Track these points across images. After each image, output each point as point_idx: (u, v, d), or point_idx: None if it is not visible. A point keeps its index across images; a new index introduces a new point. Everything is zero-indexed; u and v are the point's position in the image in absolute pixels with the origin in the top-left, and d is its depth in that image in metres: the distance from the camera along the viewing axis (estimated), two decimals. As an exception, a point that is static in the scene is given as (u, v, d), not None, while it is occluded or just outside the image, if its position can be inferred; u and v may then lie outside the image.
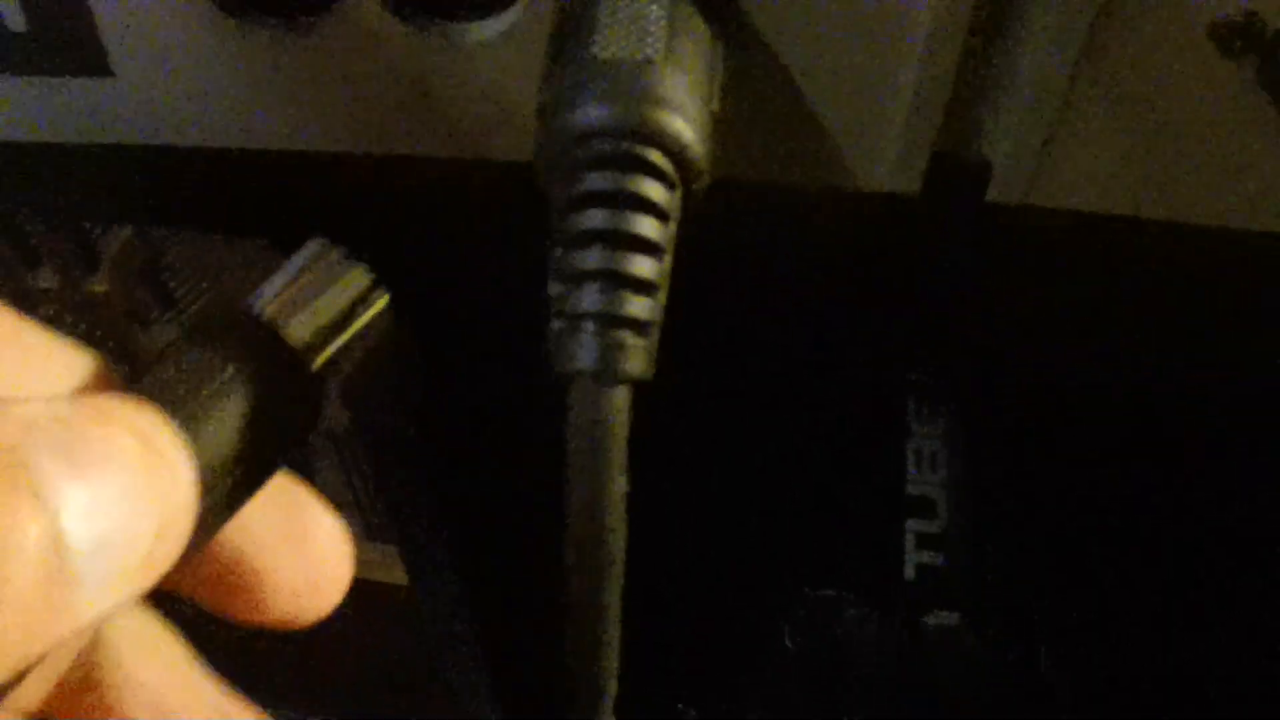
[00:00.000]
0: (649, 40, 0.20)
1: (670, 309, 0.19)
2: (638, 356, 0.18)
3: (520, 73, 0.22)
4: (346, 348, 0.18)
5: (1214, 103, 0.22)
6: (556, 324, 0.19)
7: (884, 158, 0.23)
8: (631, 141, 0.19)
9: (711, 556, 0.40)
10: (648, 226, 0.19)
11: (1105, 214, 0.24)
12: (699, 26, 0.20)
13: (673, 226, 0.19)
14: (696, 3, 0.21)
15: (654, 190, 0.19)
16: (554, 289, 0.19)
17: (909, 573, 0.39)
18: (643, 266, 0.19)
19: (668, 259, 0.19)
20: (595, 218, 0.18)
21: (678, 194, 0.19)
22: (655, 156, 0.19)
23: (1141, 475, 0.37)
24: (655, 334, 0.19)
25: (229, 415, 0.17)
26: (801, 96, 0.23)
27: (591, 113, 0.19)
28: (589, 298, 0.18)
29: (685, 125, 0.19)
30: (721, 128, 0.20)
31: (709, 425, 0.39)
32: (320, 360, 0.18)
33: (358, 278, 0.18)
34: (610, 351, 0.18)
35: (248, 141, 0.24)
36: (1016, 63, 0.23)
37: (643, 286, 0.19)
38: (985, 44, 0.22)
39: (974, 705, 0.39)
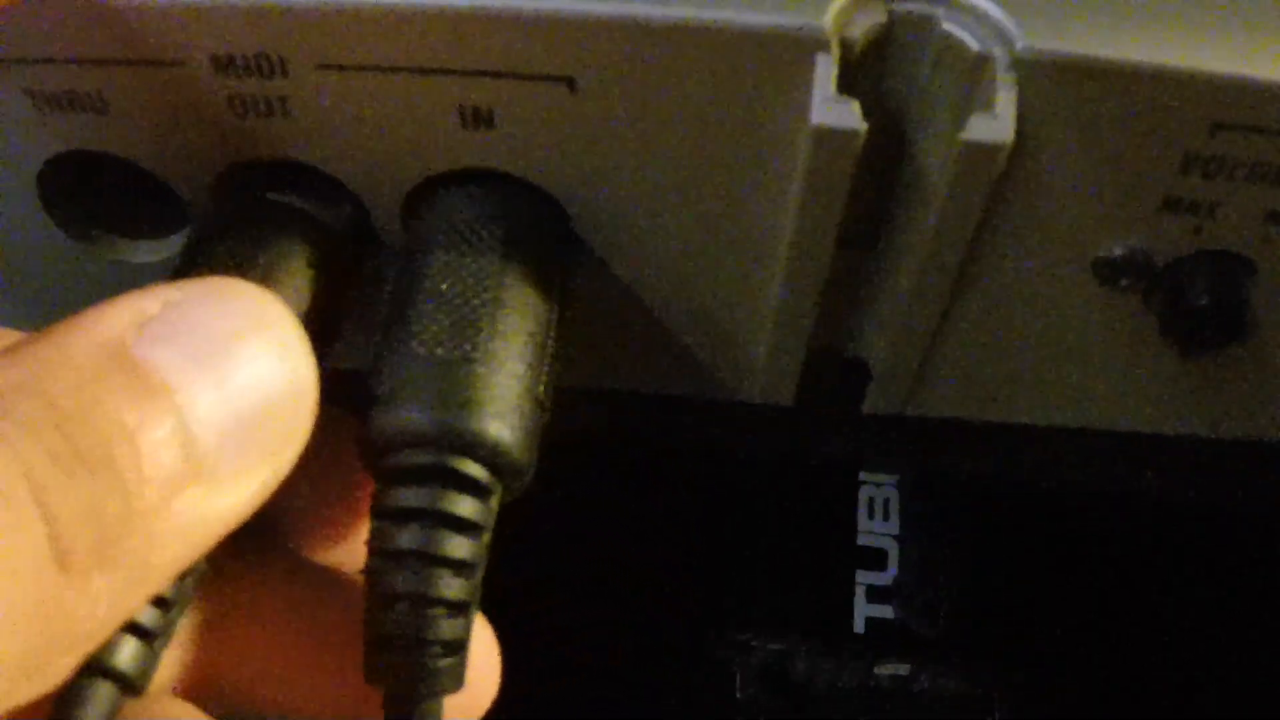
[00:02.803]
0: (468, 332, 0.19)
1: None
2: (449, 677, 0.18)
3: None
4: None
5: (1095, 323, 0.21)
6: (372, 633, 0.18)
7: (751, 369, 0.22)
8: (443, 453, 0.18)
9: (660, 608, 0.41)
10: (459, 547, 0.18)
11: (987, 422, 0.23)
12: (529, 296, 0.19)
13: (487, 536, 0.19)
14: (528, 266, 0.19)
15: (465, 506, 0.18)
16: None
17: (858, 625, 0.39)
18: (452, 587, 0.18)
19: (480, 570, 0.18)
20: (405, 534, 0.18)
21: (495, 500, 0.19)
22: (469, 467, 0.18)
23: (1099, 528, 0.37)
24: (466, 650, 0.18)
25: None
26: (664, 312, 0.22)
27: (402, 418, 0.18)
28: (400, 618, 0.18)
29: (502, 427, 0.18)
30: (546, 413, 0.19)
31: (659, 474, 0.39)
32: None
33: None
34: (419, 674, 0.18)
35: None
36: (890, 279, 0.21)
37: (453, 607, 0.18)
38: (858, 260, 0.21)
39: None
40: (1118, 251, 0.20)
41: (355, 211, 0.21)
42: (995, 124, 0.18)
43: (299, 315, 0.18)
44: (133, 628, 0.16)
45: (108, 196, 0.22)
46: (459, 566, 0.18)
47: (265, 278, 0.19)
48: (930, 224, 0.19)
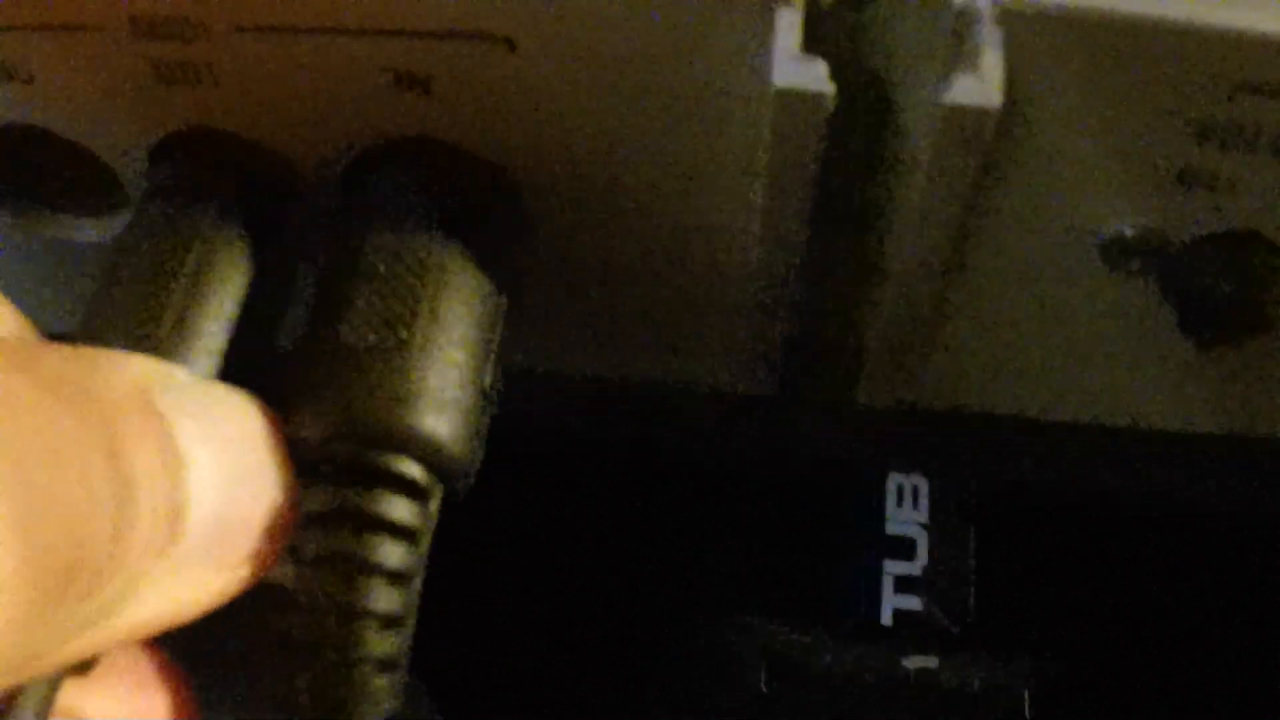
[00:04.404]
0: (404, 317, 0.17)
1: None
2: (386, 695, 0.17)
3: None
4: None
5: (1104, 311, 0.19)
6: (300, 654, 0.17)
7: (730, 355, 0.20)
8: (374, 451, 0.16)
9: (682, 599, 0.39)
10: (394, 555, 0.16)
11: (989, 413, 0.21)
12: (473, 281, 0.18)
13: (425, 543, 0.17)
14: (473, 248, 0.18)
15: (399, 509, 0.16)
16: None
17: (885, 617, 0.37)
18: (388, 598, 0.16)
19: (417, 582, 0.17)
20: (331, 540, 0.16)
21: (434, 503, 0.17)
22: (404, 466, 0.16)
23: (1133, 522, 0.35)
24: (403, 666, 0.17)
25: None
26: (631, 293, 0.20)
27: (329, 412, 0.16)
28: (327, 632, 0.16)
29: (440, 422, 0.17)
30: (492, 406, 0.18)
31: (681, 461, 0.37)
32: None
33: None
34: (358, 695, 0.16)
35: None
36: (878, 265, 0.19)
37: (389, 622, 0.17)
38: (842, 239, 0.19)
39: (956, 751, 0.38)
40: (1128, 231, 0.18)
41: (292, 183, 0.19)
42: (980, 86, 0.16)
43: (231, 310, 0.17)
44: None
45: (47, 172, 0.21)
46: (393, 575, 0.16)
47: (199, 268, 0.17)
48: (917, 198, 0.17)
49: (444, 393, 0.17)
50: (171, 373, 0.15)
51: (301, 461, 0.16)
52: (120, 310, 0.17)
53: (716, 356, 0.20)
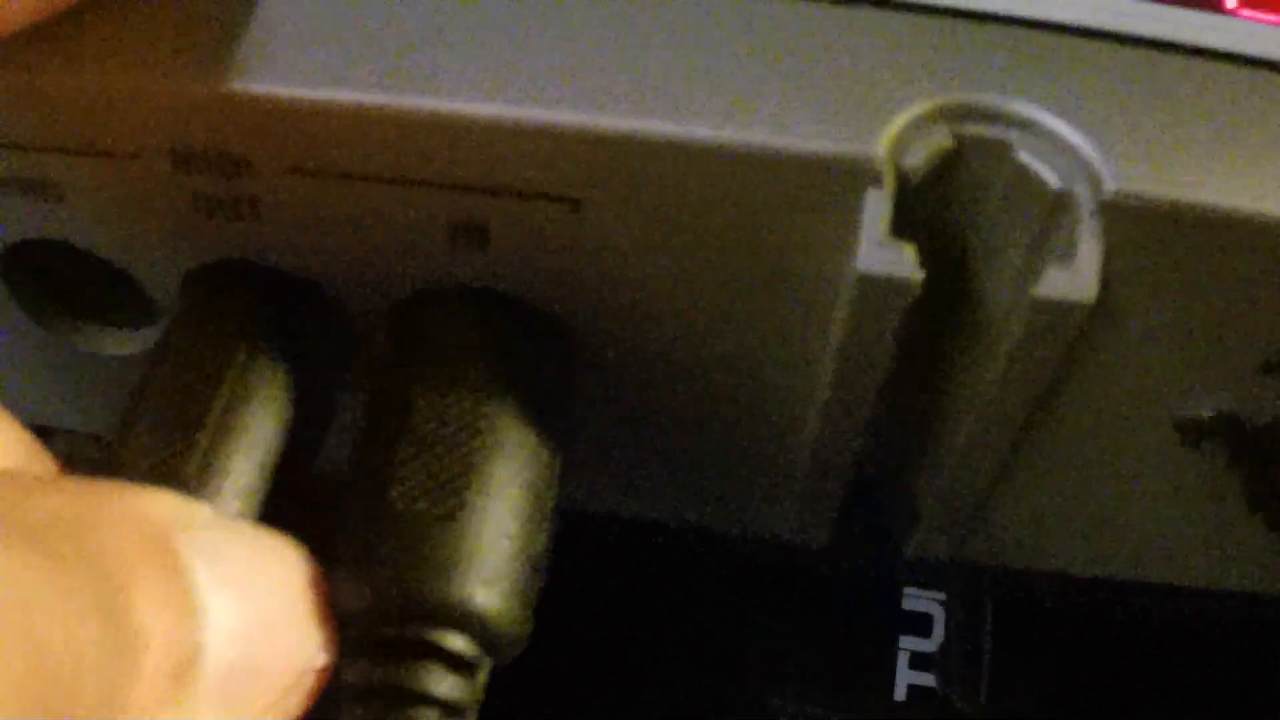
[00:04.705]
0: (456, 483, 0.16)
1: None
2: None
3: None
4: None
5: (1172, 482, 0.18)
6: None
7: (785, 510, 0.20)
8: (422, 626, 0.16)
9: (691, 669, 0.39)
10: None
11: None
12: (528, 439, 0.17)
13: (472, 715, 0.16)
14: (528, 404, 0.17)
15: (446, 685, 0.16)
16: None
17: (900, 694, 0.37)
18: None
19: None
20: (375, 712, 0.16)
21: (482, 673, 0.16)
22: (451, 641, 0.16)
23: (1152, 617, 0.34)
24: None
25: None
26: (688, 445, 0.19)
27: (374, 585, 0.16)
28: None
29: (491, 595, 0.16)
30: (542, 575, 0.17)
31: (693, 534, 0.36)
32: None
33: None
34: None
35: None
36: (946, 424, 0.19)
37: None
38: (910, 402, 0.18)
39: (966, 829, 0.38)
40: (1206, 413, 0.17)
41: (336, 320, 0.18)
42: (1076, 279, 0.15)
43: (267, 446, 0.16)
44: None
45: (78, 284, 0.20)
46: None
47: (231, 402, 0.17)
48: (994, 377, 0.17)
49: (495, 565, 0.16)
50: (195, 511, 0.14)
51: (344, 635, 0.16)
52: (145, 440, 0.16)
53: (771, 510, 0.20)
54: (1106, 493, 0.19)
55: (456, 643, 0.16)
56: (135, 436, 0.16)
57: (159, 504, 0.14)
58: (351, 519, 0.16)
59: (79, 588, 0.12)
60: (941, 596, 0.37)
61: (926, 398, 0.18)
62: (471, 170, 0.16)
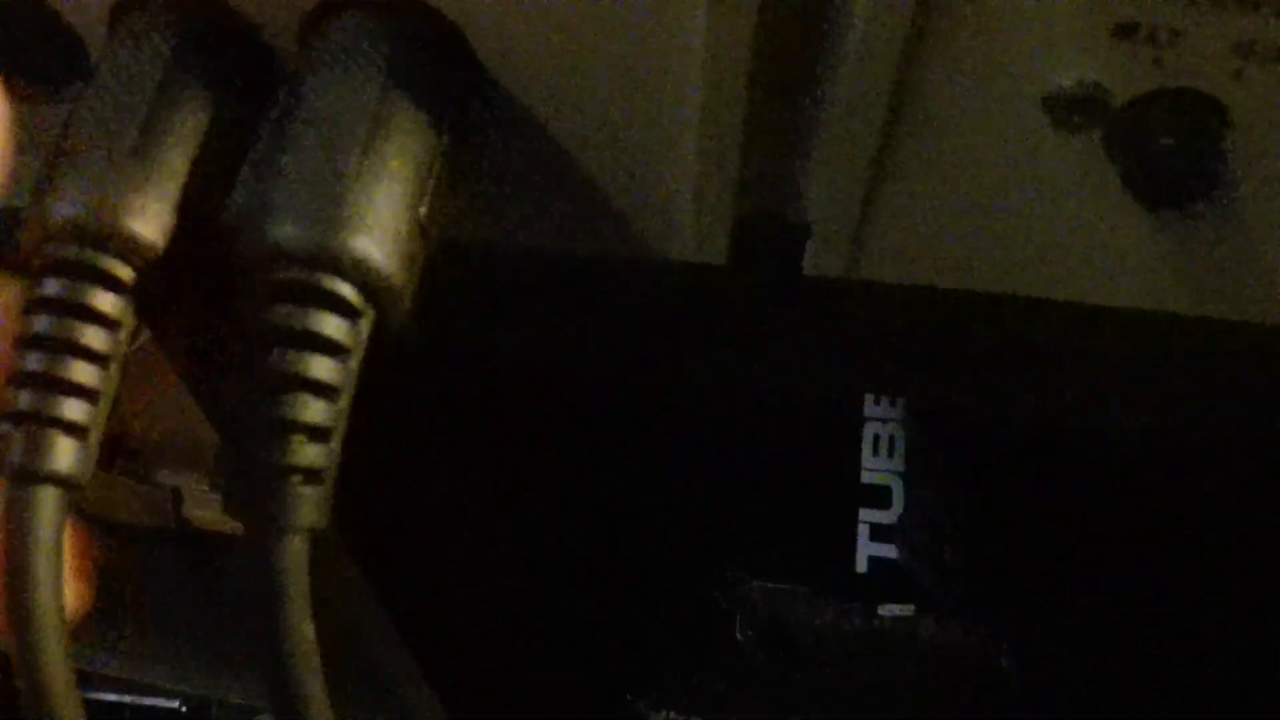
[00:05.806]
0: (343, 146, 0.17)
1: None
2: (310, 506, 0.17)
3: None
4: None
5: (1050, 173, 0.19)
6: (231, 459, 0.17)
7: (680, 223, 0.21)
8: (307, 270, 0.17)
9: (662, 549, 0.39)
10: (321, 368, 0.17)
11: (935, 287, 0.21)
12: (412, 119, 0.18)
13: (355, 362, 0.17)
14: (414, 90, 0.18)
15: (331, 325, 0.17)
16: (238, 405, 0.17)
17: (861, 565, 0.37)
18: (314, 410, 0.17)
19: (345, 397, 0.17)
20: (267, 357, 0.17)
21: (365, 323, 0.17)
22: (336, 285, 0.17)
23: (1104, 464, 0.35)
24: (331, 478, 0.17)
25: None
26: (572, 161, 0.20)
27: (268, 234, 0.17)
28: (263, 445, 0.17)
29: (372, 245, 0.17)
30: (430, 242, 0.18)
31: (657, 407, 0.37)
32: None
33: None
34: (281, 503, 0.17)
35: None
36: (816, 124, 0.19)
37: (315, 432, 0.17)
38: (778, 102, 0.19)
39: (931, 698, 0.38)
40: (1068, 84, 0.18)
41: (254, 47, 0.19)
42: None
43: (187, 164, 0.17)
44: (68, 426, 0.16)
45: (10, 38, 0.21)
46: (322, 389, 0.17)
47: (149, 128, 0.18)
48: (850, 49, 0.18)
49: (378, 218, 0.17)
50: None
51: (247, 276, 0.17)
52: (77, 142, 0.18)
53: (666, 227, 0.21)
54: (987, 190, 0.19)
55: (340, 288, 0.17)
56: (68, 140, 0.18)
57: None
58: (248, 181, 0.17)
59: None
60: (900, 468, 0.38)
61: (797, 101, 0.19)
62: None
